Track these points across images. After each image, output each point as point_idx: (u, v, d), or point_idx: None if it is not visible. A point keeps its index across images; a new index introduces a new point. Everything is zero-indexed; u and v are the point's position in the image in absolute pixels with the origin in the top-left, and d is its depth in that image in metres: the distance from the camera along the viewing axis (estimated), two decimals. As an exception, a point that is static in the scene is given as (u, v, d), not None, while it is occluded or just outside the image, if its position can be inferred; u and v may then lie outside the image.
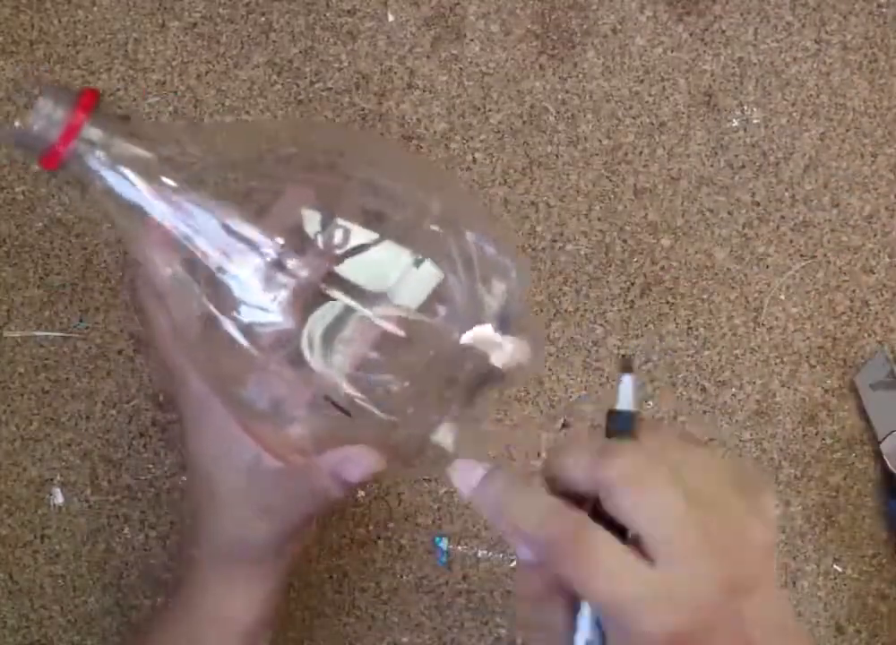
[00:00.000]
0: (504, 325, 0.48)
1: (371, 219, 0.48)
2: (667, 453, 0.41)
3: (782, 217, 0.72)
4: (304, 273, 0.47)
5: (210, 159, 0.48)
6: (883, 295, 0.72)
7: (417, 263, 0.48)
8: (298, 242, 0.47)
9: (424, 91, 0.72)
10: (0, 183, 0.71)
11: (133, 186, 0.47)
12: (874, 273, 0.72)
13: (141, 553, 0.69)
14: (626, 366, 0.44)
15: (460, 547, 0.69)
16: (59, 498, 0.69)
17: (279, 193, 0.48)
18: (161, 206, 0.47)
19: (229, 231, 0.47)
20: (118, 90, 0.72)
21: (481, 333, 0.47)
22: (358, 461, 0.50)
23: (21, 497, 0.69)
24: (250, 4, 0.73)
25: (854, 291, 0.72)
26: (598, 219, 0.72)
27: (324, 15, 0.73)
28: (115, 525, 0.69)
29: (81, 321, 0.70)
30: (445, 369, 0.48)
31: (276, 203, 0.48)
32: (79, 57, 0.72)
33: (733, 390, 0.71)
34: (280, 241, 0.47)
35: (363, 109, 0.72)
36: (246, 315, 0.47)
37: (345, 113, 0.72)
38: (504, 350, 0.47)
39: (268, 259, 0.47)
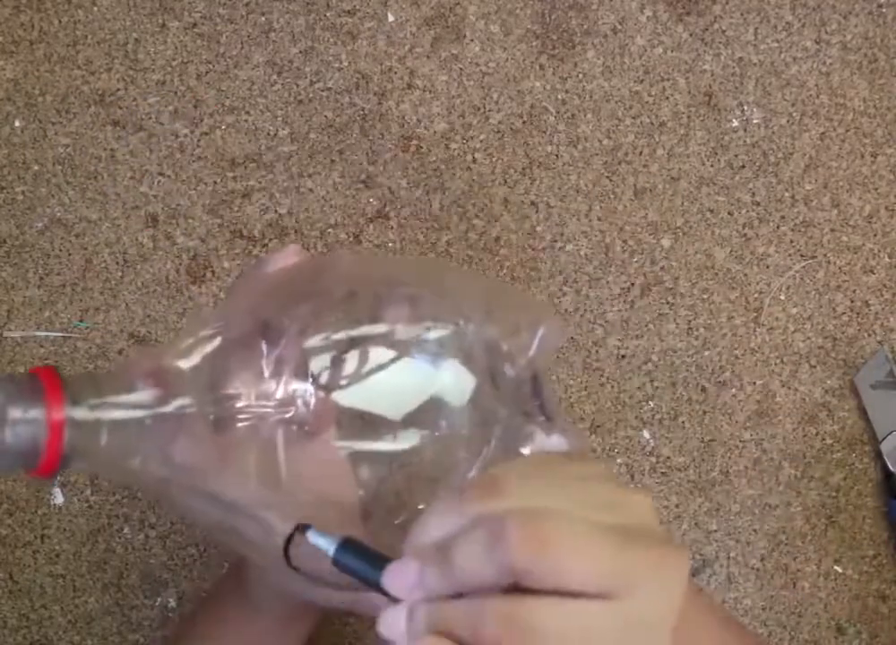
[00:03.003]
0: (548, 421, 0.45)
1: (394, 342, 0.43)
2: (541, 493, 0.37)
3: (782, 217, 0.72)
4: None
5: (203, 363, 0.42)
6: (882, 295, 0.72)
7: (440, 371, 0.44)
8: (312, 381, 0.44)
9: (424, 91, 0.72)
10: (0, 183, 0.71)
11: (139, 449, 0.40)
12: (874, 273, 0.72)
13: (141, 553, 0.69)
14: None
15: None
16: (59, 498, 0.69)
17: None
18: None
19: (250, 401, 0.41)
20: (118, 90, 0.72)
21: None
22: None
23: (21, 497, 0.69)
24: (250, 4, 0.73)
25: (854, 291, 0.72)
26: (598, 219, 0.72)
27: (324, 15, 0.73)
28: (115, 525, 0.69)
29: (81, 321, 0.70)
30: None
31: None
32: (79, 57, 0.72)
33: (733, 390, 0.71)
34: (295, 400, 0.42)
35: (363, 109, 0.72)
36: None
37: (345, 113, 0.72)
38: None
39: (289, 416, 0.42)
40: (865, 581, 0.70)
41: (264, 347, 0.42)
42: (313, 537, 0.38)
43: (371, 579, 0.38)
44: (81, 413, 0.38)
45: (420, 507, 0.43)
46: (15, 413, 0.37)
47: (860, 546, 0.70)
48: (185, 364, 0.41)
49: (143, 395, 0.39)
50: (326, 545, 0.38)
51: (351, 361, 0.42)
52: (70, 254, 0.71)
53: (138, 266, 0.71)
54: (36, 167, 0.71)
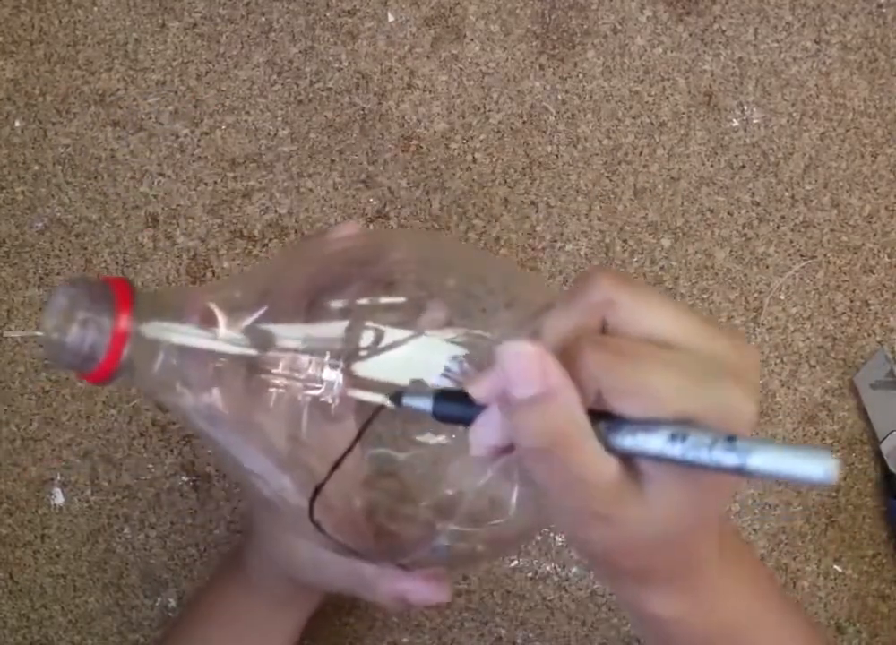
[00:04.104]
0: None
1: (410, 318, 0.46)
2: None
3: (782, 217, 0.72)
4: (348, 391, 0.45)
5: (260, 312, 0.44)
6: (882, 295, 0.72)
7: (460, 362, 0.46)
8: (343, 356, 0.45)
9: (424, 91, 0.72)
10: (0, 183, 0.71)
11: (181, 366, 0.42)
12: (874, 273, 0.72)
13: (141, 553, 0.69)
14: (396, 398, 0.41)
15: (460, 547, 0.69)
16: (59, 498, 0.69)
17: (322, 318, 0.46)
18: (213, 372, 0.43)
19: (288, 371, 0.45)
20: (118, 90, 0.72)
21: None
22: (428, 590, 0.49)
23: (21, 497, 0.69)
24: (250, 4, 0.73)
25: (854, 291, 0.72)
26: (598, 219, 0.72)
27: (324, 15, 0.73)
28: (115, 525, 0.69)
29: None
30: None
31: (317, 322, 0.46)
32: (79, 57, 0.72)
33: (733, 390, 0.71)
34: (329, 371, 0.45)
35: (363, 109, 0.72)
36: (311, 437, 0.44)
37: (345, 113, 0.72)
38: None
39: (322, 393, 0.45)
40: (865, 581, 0.70)
41: (304, 322, 0.43)
42: (408, 401, 0.40)
43: (475, 415, 0.38)
44: (146, 329, 0.40)
45: (423, 504, 0.44)
46: (83, 315, 0.39)
47: (860, 545, 0.70)
48: (234, 316, 0.42)
49: (202, 330, 0.41)
50: (424, 404, 0.39)
51: (378, 350, 0.43)
52: (70, 254, 0.71)
53: (138, 266, 0.71)
54: (36, 167, 0.71)
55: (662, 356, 0.36)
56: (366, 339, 0.43)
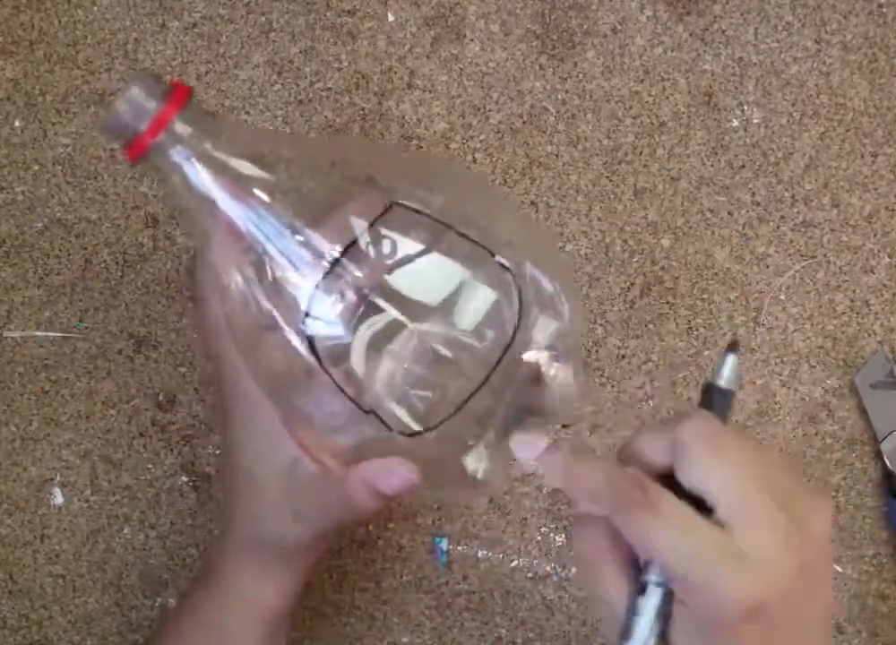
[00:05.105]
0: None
1: (432, 236, 0.48)
2: (743, 438, 0.42)
3: (782, 217, 0.72)
4: (356, 285, 0.47)
5: (285, 166, 0.49)
6: (883, 295, 0.72)
7: (473, 284, 0.47)
8: (354, 254, 0.47)
9: (424, 91, 0.72)
10: (0, 183, 0.71)
11: (209, 184, 0.48)
12: (874, 273, 0.72)
13: (141, 553, 0.69)
14: (733, 346, 0.46)
15: (460, 547, 0.69)
16: (59, 498, 0.69)
17: (339, 204, 0.48)
18: (234, 207, 0.48)
19: (295, 240, 0.47)
20: (118, 90, 0.72)
21: (537, 355, 0.47)
22: (394, 472, 0.49)
23: (21, 497, 0.69)
24: (250, 4, 0.73)
25: (854, 291, 0.72)
26: (598, 219, 0.72)
27: (324, 15, 0.73)
28: (115, 525, 0.69)
29: (81, 321, 0.70)
30: (486, 395, 0.47)
31: (335, 215, 0.48)
32: (79, 57, 0.72)
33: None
34: (338, 253, 0.47)
35: (363, 109, 0.72)
36: (302, 324, 0.47)
37: (345, 113, 0.72)
38: (553, 381, 0.47)
39: (326, 270, 0.47)
40: (865, 581, 0.70)
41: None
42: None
43: None
44: (181, 128, 0.47)
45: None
46: (137, 93, 0.47)
47: (860, 545, 0.70)
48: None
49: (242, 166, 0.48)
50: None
51: (405, 249, 0.48)
52: (70, 254, 0.71)
53: (138, 266, 0.71)
54: (36, 167, 0.71)
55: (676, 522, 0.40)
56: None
